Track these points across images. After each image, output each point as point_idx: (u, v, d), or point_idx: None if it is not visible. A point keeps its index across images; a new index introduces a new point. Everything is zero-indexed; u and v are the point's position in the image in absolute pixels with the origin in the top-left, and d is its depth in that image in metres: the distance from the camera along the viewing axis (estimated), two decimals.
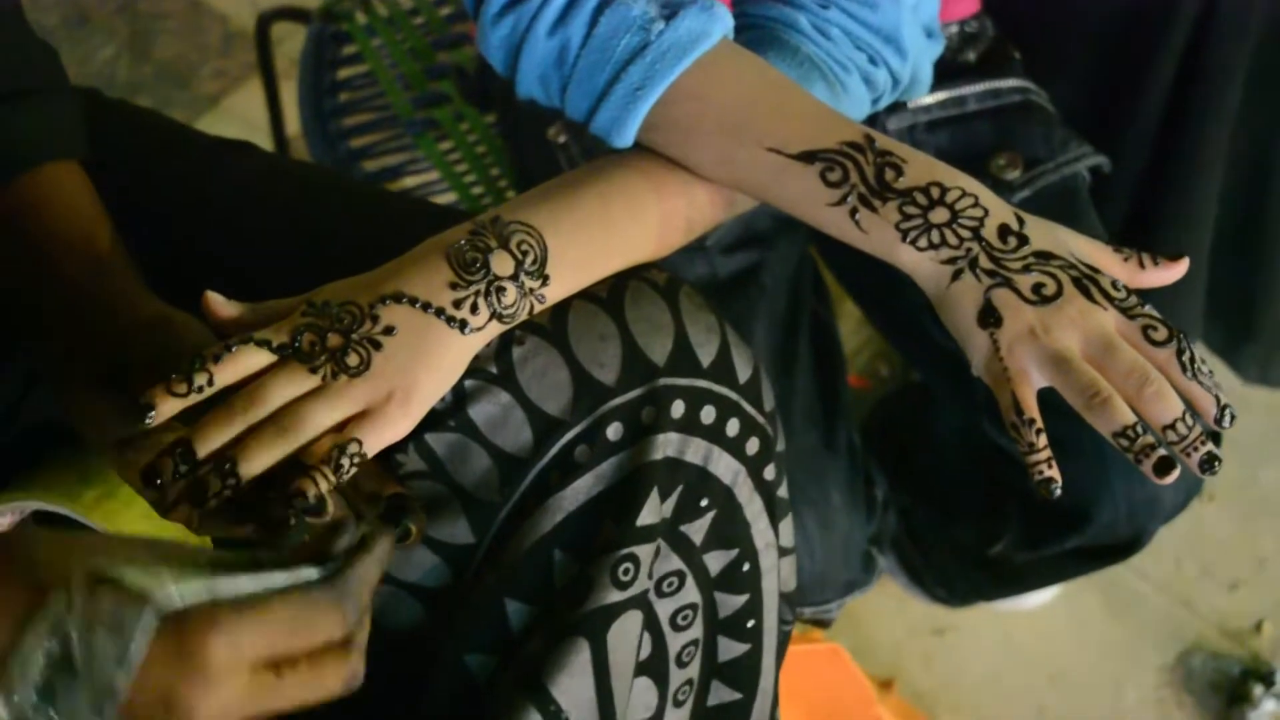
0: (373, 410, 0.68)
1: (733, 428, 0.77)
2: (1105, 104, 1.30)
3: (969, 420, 1.29)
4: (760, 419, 0.79)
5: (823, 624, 1.27)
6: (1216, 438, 1.19)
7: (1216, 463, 0.66)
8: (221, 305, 0.70)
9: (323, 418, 0.66)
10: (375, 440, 0.68)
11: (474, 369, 0.73)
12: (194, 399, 0.65)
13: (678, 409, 0.75)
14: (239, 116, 2.03)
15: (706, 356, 0.76)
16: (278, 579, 0.58)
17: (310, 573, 0.59)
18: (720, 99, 0.77)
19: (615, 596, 0.72)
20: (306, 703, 0.58)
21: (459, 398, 0.74)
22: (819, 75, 0.84)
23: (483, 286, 0.71)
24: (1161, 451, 0.65)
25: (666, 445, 0.74)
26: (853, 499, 1.22)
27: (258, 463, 0.65)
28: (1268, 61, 1.26)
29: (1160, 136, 1.29)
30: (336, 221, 0.85)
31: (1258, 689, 1.61)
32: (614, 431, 0.74)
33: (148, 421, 0.64)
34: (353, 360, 0.68)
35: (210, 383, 0.65)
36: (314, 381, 0.67)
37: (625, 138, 0.79)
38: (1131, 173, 1.31)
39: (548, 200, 0.75)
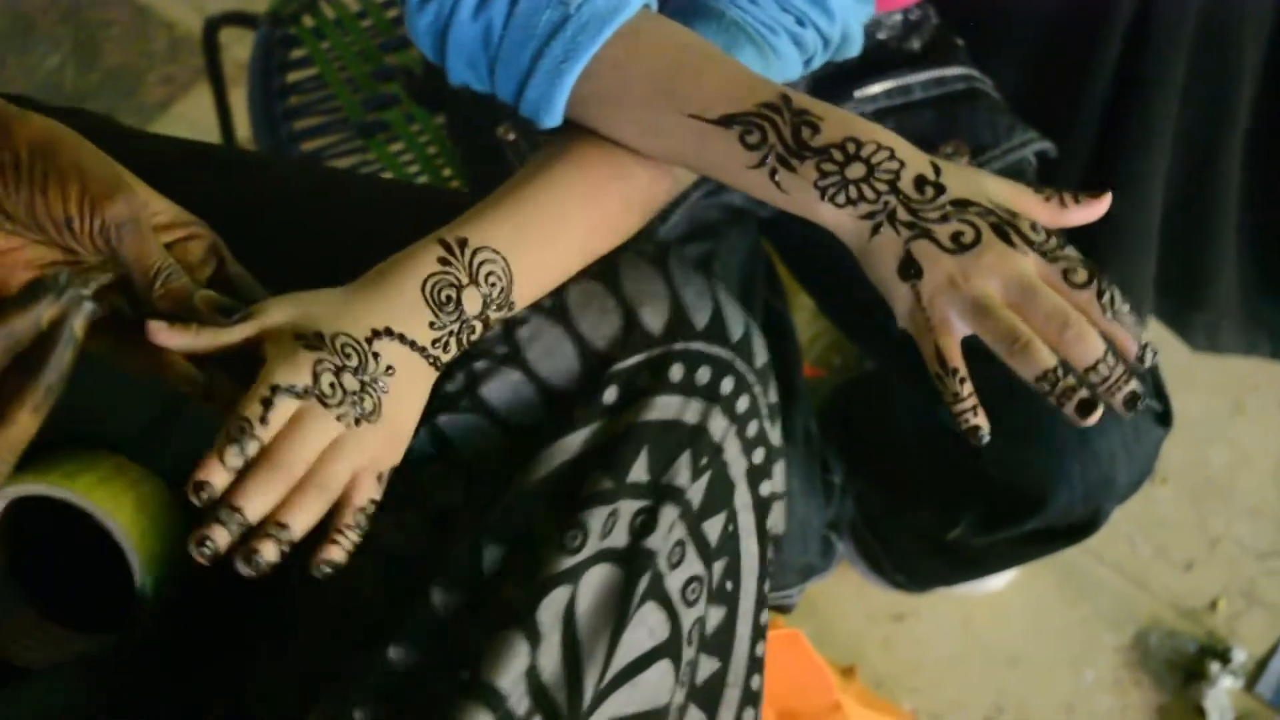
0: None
1: (726, 386, 0.78)
2: (1052, 85, 1.31)
3: (925, 407, 1.30)
4: (751, 376, 0.80)
5: (784, 610, 1.28)
6: (1166, 415, 1.21)
7: (1139, 401, 0.67)
8: (167, 334, 0.65)
9: (349, 467, 0.66)
10: (376, 485, 0.68)
11: (481, 351, 0.75)
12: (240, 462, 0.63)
13: (676, 373, 0.76)
14: (189, 122, 2.02)
15: (701, 320, 0.78)
16: None
17: None
18: (642, 68, 0.77)
19: (595, 547, 0.72)
20: None
21: (470, 379, 0.75)
22: (746, 39, 0.84)
23: (456, 327, 0.71)
24: (1084, 393, 0.65)
25: (665, 408, 0.75)
26: (810, 485, 1.23)
27: (304, 521, 0.64)
28: (1210, 36, 1.28)
29: (1107, 113, 1.31)
30: (304, 214, 0.84)
31: (1214, 666, 1.63)
32: (610, 395, 0.75)
33: (203, 498, 0.62)
34: (368, 405, 0.67)
35: (260, 445, 0.64)
36: (339, 429, 0.66)
37: (554, 114, 0.78)
38: (1080, 150, 1.33)
39: (511, 218, 0.75)
